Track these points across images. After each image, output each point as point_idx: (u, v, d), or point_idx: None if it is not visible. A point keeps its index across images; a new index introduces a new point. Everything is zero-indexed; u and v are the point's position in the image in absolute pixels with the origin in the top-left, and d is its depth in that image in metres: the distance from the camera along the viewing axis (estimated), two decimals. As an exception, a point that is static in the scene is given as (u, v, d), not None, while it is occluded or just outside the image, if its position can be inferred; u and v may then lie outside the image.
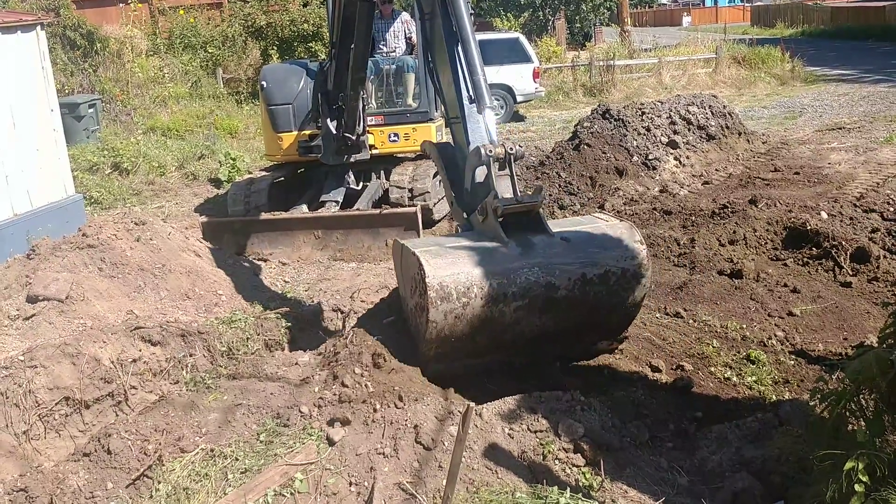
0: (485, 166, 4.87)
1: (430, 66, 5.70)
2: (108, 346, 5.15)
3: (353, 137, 8.59)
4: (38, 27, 8.30)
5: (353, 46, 7.27)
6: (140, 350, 5.29)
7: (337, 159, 8.89)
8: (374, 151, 9.40)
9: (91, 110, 14.44)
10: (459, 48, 5.19)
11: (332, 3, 7.89)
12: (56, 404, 4.73)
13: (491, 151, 4.81)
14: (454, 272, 4.44)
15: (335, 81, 8.12)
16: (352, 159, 8.99)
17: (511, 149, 4.83)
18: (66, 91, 15.93)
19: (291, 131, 9.63)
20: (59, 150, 8.65)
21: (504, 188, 4.87)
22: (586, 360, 5.25)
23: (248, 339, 5.94)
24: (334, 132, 8.58)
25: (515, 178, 4.93)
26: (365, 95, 8.28)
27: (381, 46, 10.03)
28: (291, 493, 4.01)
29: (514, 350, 4.84)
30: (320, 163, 9.11)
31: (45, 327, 5.76)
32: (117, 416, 4.92)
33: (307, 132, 9.43)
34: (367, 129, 9.11)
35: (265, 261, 8.36)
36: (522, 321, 4.63)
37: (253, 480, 4.10)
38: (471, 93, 5.10)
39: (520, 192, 4.94)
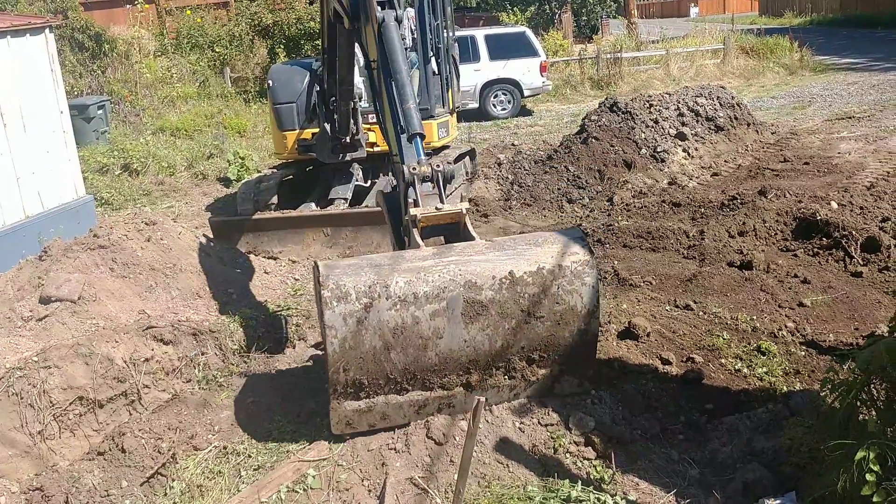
0: (412, 187, 4.52)
1: (381, 117, 5.52)
2: (121, 345, 5.18)
3: (346, 138, 8.64)
4: (47, 30, 8.34)
5: (337, 61, 7.32)
6: (152, 349, 5.33)
7: (332, 158, 8.96)
8: (377, 149, 9.41)
9: (100, 112, 14.51)
10: (392, 81, 5.01)
11: (321, 8, 7.91)
12: (70, 404, 4.76)
13: (415, 169, 4.51)
14: (354, 271, 3.98)
15: (327, 81, 8.19)
16: (347, 157, 9.03)
17: (438, 166, 4.56)
18: (76, 93, 16.01)
19: (295, 130, 9.69)
20: (69, 152, 8.69)
21: (430, 204, 4.50)
22: (553, 397, 4.44)
23: (259, 336, 5.97)
24: (329, 131, 8.64)
25: (444, 197, 4.53)
26: (356, 100, 8.30)
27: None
28: (304, 490, 4.04)
29: (447, 379, 4.13)
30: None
31: (58, 328, 5.79)
32: (131, 415, 4.96)
33: (309, 131, 9.49)
34: (368, 126, 9.13)
35: (275, 259, 8.39)
36: (445, 333, 4.00)
37: (266, 477, 4.13)
38: (402, 123, 4.89)
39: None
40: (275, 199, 9.43)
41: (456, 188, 10.06)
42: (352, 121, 8.46)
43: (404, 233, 4.59)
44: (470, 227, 4.43)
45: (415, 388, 4.13)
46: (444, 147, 10.07)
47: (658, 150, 11.23)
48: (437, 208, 4.39)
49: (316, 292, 4.15)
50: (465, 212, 4.46)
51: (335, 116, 8.40)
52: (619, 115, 11.63)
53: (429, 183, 4.57)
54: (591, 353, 4.41)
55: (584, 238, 4.39)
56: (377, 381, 4.04)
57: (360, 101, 8.53)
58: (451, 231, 4.52)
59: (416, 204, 4.45)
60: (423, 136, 4.82)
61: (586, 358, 4.39)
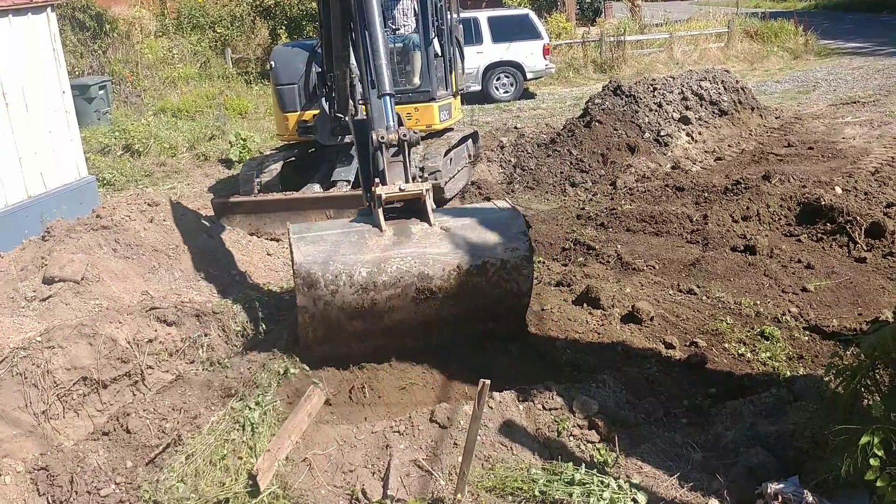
0: (378, 153, 4.80)
1: (351, 41, 5.81)
2: (124, 326, 5.18)
3: (346, 118, 8.59)
4: (49, 9, 8.29)
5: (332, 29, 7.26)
6: (156, 330, 5.32)
7: (332, 140, 8.92)
8: None
9: (101, 92, 14.46)
10: (367, 33, 5.18)
11: None
12: (74, 384, 4.77)
13: (384, 137, 4.74)
14: (323, 260, 4.54)
15: (325, 60, 8.12)
16: (346, 140, 8.99)
17: (405, 135, 4.77)
18: (77, 73, 15.96)
19: (297, 111, 9.65)
20: (71, 132, 8.67)
21: (396, 175, 4.79)
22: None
23: (262, 318, 5.96)
24: (328, 112, 8.60)
25: (409, 164, 4.85)
26: (352, 76, 8.24)
27: (389, 24, 9.95)
28: (309, 468, 4.05)
29: (399, 335, 4.79)
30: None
31: (61, 308, 5.79)
32: (134, 395, 4.96)
33: (310, 112, 9.45)
34: None
35: (277, 240, 8.37)
36: (397, 309, 4.64)
37: (274, 442, 4.14)
38: (372, 77, 5.07)
39: (413, 179, 4.88)
40: (276, 179, 9.41)
41: (459, 171, 10.04)
42: (350, 100, 8.42)
43: (367, 199, 4.93)
44: (429, 210, 4.77)
45: (371, 341, 4.79)
46: (447, 130, 10.03)
47: (662, 133, 11.20)
48: (400, 189, 4.73)
49: (289, 247, 4.78)
50: (426, 192, 4.77)
51: (333, 95, 8.35)
52: (622, 99, 11.59)
53: (394, 148, 4.82)
54: (521, 316, 5.19)
55: (525, 233, 4.90)
56: (339, 337, 4.74)
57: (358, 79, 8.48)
58: (415, 203, 4.85)
59: (382, 179, 4.74)
60: (392, 97, 5.02)
61: (517, 319, 5.15)
